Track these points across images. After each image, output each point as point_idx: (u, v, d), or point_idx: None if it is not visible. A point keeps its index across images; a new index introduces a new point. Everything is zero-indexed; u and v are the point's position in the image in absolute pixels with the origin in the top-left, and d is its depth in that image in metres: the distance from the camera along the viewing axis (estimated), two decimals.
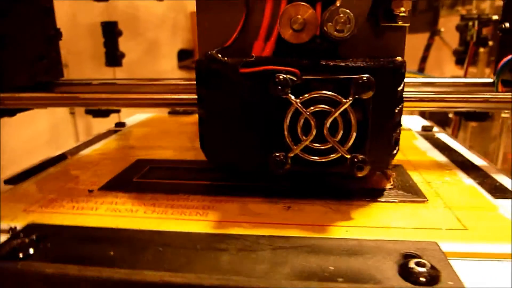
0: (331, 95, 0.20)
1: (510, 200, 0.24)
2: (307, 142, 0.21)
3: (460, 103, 0.32)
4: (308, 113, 0.20)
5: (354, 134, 0.21)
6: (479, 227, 0.20)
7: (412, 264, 0.16)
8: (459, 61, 0.61)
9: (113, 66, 0.68)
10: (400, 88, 0.22)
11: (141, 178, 0.28)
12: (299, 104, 0.20)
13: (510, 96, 0.31)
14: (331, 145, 0.20)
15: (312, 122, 0.20)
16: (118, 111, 0.70)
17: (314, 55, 0.22)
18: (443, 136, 0.38)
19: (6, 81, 0.33)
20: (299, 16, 0.21)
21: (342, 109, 0.20)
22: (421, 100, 0.31)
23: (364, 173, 0.20)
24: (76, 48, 0.72)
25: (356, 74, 0.20)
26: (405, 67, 0.22)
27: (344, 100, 0.20)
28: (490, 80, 0.35)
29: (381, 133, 0.22)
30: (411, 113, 0.57)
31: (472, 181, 0.26)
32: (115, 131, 0.43)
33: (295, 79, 0.20)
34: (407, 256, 0.17)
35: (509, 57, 0.33)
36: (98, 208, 0.23)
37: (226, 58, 0.22)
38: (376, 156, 0.22)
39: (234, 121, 0.23)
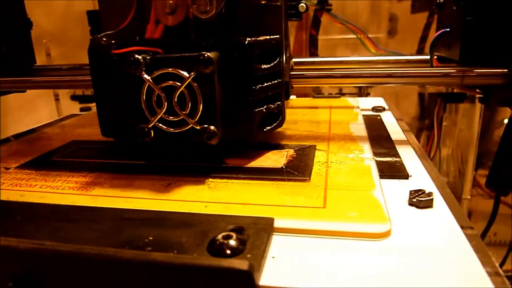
0: (175, 70, 0.22)
1: (395, 180, 0.24)
2: (161, 115, 0.22)
3: (385, 78, 0.31)
4: (158, 88, 0.22)
5: (201, 107, 0.22)
6: (338, 206, 0.20)
7: (219, 236, 0.16)
8: None
9: None
10: (262, 66, 0.23)
11: (61, 157, 0.30)
12: (150, 80, 0.22)
13: (436, 71, 0.30)
14: (182, 117, 0.22)
15: (162, 96, 0.22)
16: None
17: (199, 35, 0.23)
18: (387, 116, 0.37)
19: None
20: (171, 1, 0.22)
21: (186, 83, 0.22)
22: (345, 76, 0.31)
23: (214, 143, 0.22)
24: (68, 37, 0.75)
25: (207, 51, 0.21)
26: (275, 45, 0.23)
27: (187, 75, 0.21)
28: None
29: (240, 108, 0.24)
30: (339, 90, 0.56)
31: (373, 161, 0.26)
32: (76, 115, 0.45)
33: (148, 57, 0.21)
34: (232, 230, 0.17)
35: (439, 32, 0.32)
36: (4, 183, 0.25)
37: (104, 40, 0.23)
38: (238, 130, 0.24)
39: (114, 98, 0.25)
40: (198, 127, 0.22)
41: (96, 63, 0.25)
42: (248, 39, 0.23)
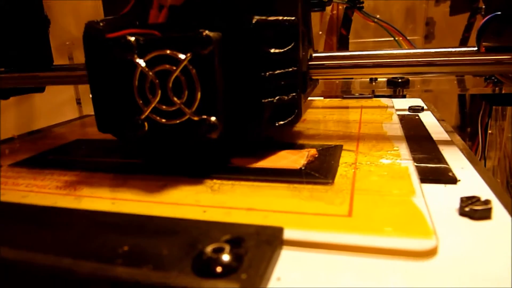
0: (171, 53, 0.18)
1: (440, 185, 0.19)
2: (154, 103, 0.19)
3: (425, 67, 0.26)
4: (151, 73, 0.19)
5: (199, 94, 0.19)
6: (368, 215, 0.16)
7: (209, 249, 0.12)
8: None
9: None
10: (272, 50, 0.20)
11: (58, 155, 0.27)
12: (142, 65, 0.19)
13: (487, 58, 0.25)
14: (179, 107, 0.19)
15: (156, 82, 0.19)
16: None
17: (204, 16, 0.20)
18: (426, 117, 0.33)
19: None
20: None
21: (181, 67, 0.18)
22: (374, 66, 0.27)
23: (214, 136, 0.19)
24: None
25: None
26: (289, 28, 0.21)
27: (182, 57, 0.18)
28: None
29: (247, 98, 0.20)
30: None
31: (411, 162, 0.21)
32: (91, 116, 0.43)
33: (141, 39, 0.19)
34: (228, 241, 0.13)
35: (488, 16, 0.28)
36: None
37: (100, 25, 0.21)
38: (244, 124, 0.20)
39: (109, 88, 0.21)
40: (195, 118, 0.19)
41: (90, 49, 0.22)
42: (256, 17, 0.20)
